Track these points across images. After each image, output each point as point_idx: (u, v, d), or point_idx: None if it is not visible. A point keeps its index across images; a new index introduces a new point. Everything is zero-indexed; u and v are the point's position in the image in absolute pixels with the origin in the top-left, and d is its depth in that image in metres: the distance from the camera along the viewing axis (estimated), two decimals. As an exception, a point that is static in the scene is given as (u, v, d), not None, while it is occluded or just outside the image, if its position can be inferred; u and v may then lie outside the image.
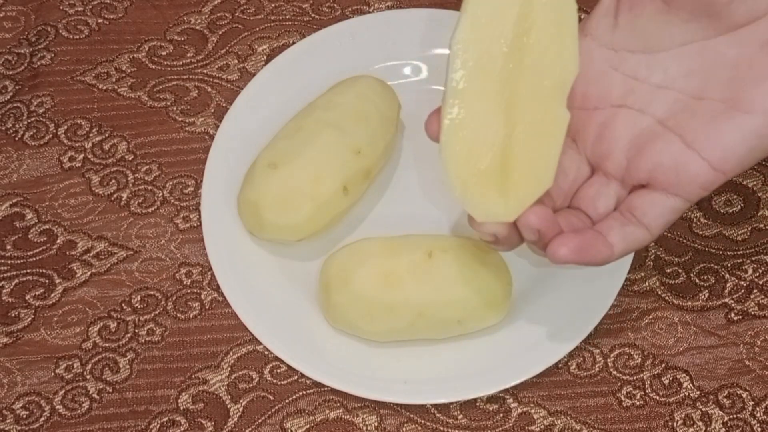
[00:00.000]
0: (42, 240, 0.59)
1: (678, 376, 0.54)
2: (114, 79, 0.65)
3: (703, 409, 0.53)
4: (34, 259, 0.58)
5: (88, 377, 0.54)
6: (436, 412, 0.53)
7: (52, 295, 0.57)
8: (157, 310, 0.56)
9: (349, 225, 0.59)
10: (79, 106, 0.64)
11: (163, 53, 0.66)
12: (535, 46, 0.44)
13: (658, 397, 0.53)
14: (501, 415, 0.53)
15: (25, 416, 0.53)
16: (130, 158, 0.62)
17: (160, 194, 0.60)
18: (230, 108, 0.61)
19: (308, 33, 0.66)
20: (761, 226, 0.58)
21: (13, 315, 0.56)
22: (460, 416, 0.53)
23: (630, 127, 0.46)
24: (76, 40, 0.67)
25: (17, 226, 0.59)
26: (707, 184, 0.44)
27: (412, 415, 0.53)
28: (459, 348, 0.54)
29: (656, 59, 0.46)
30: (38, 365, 0.54)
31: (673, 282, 0.57)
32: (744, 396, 0.53)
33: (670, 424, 0.52)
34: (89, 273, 0.57)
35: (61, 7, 0.68)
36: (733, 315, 0.55)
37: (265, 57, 0.65)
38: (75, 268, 0.58)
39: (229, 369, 0.54)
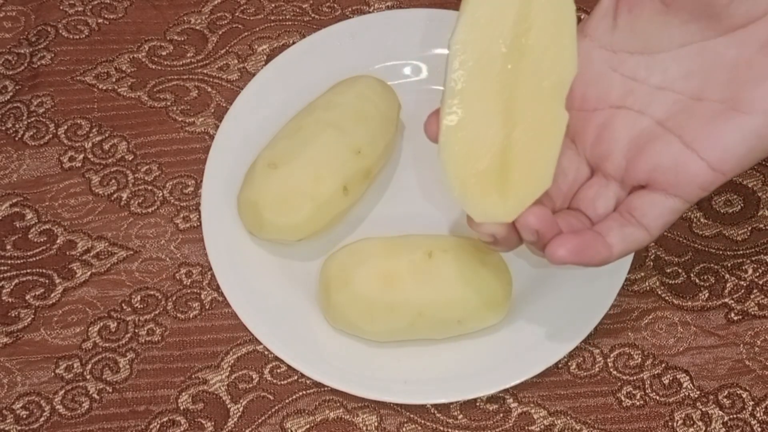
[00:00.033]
0: (42, 240, 0.59)
1: (678, 376, 0.54)
2: (114, 79, 0.65)
3: (703, 409, 0.53)
4: (34, 259, 0.58)
5: (88, 377, 0.54)
6: (436, 412, 0.53)
7: (52, 295, 0.57)
8: (157, 310, 0.56)
9: (349, 225, 0.59)
10: (79, 106, 0.64)
11: (163, 53, 0.66)
12: (533, 47, 0.44)
13: (658, 397, 0.53)
14: (501, 415, 0.53)
15: (25, 416, 0.53)
16: (130, 158, 0.62)
17: (160, 194, 0.60)
18: (230, 108, 0.62)
19: (308, 33, 0.66)
20: (761, 226, 0.58)
21: (13, 315, 0.56)
22: (460, 416, 0.53)
23: (629, 127, 0.46)
24: (76, 40, 0.67)
25: (17, 226, 0.59)
26: (706, 184, 0.44)
27: (412, 415, 0.53)
28: (459, 348, 0.54)
29: (655, 60, 0.46)
30: (38, 365, 0.54)
31: (673, 282, 0.57)
32: (744, 396, 0.53)
33: (670, 424, 0.52)
34: (89, 273, 0.57)
35: (61, 7, 0.68)
36: (733, 315, 0.55)
37: (265, 57, 0.66)
38: (75, 268, 0.58)
39: (229, 369, 0.54)
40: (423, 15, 0.64)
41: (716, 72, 0.44)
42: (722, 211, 0.59)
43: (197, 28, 0.67)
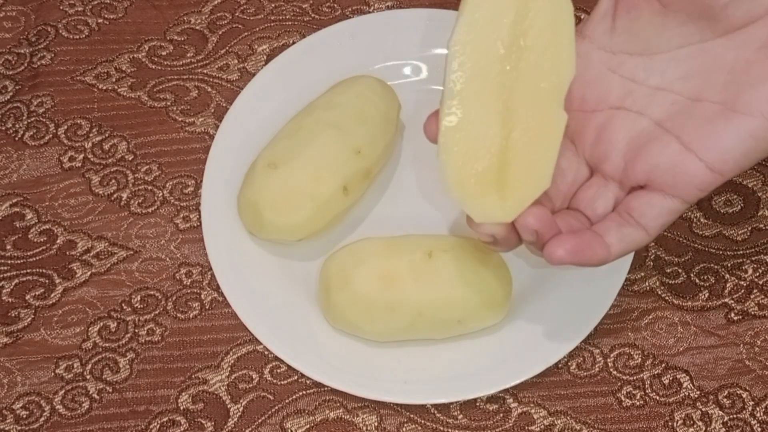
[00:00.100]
0: (42, 240, 0.59)
1: (678, 376, 0.54)
2: (114, 79, 0.65)
3: (703, 409, 0.53)
4: (34, 259, 0.58)
5: (88, 377, 0.54)
6: (436, 412, 0.53)
7: (52, 295, 0.57)
8: (157, 310, 0.56)
9: (349, 225, 0.59)
10: (79, 106, 0.64)
11: (163, 53, 0.66)
12: (532, 48, 0.44)
13: (658, 397, 0.53)
14: (501, 415, 0.53)
15: (25, 416, 0.53)
16: (130, 158, 0.62)
17: (160, 194, 0.60)
18: (230, 108, 0.62)
19: (308, 33, 0.66)
20: (761, 226, 0.58)
21: (13, 315, 0.56)
22: (460, 416, 0.53)
23: (628, 128, 0.46)
24: (76, 40, 0.67)
25: (17, 226, 0.59)
26: (705, 185, 0.44)
27: (412, 415, 0.53)
28: (459, 348, 0.54)
29: (654, 62, 0.46)
30: (38, 365, 0.54)
31: (673, 282, 0.57)
32: (744, 396, 0.53)
33: (670, 424, 0.52)
34: (89, 273, 0.57)
35: (61, 7, 0.68)
36: (733, 315, 0.55)
37: (265, 57, 0.65)
38: (75, 268, 0.58)
39: (229, 369, 0.54)
40: (423, 15, 0.64)
41: (715, 73, 0.44)
42: (722, 211, 0.59)
43: (197, 28, 0.67)
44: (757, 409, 0.53)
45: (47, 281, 0.57)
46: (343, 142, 0.56)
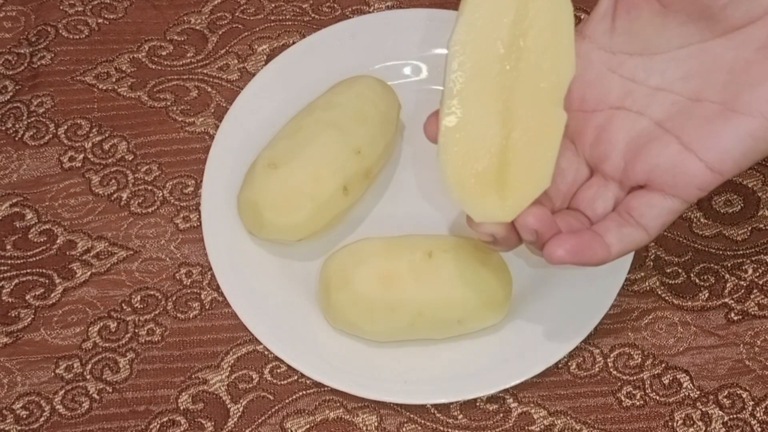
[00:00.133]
0: (42, 240, 0.59)
1: (678, 376, 0.54)
2: (114, 79, 0.65)
3: (703, 409, 0.53)
4: (34, 259, 0.58)
5: (88, 377, 0.54)
6: (436, 412, 0.53)
7: (52, 295, 0.57)
8: (157, 310, 0.56)
9: (349, 225, 0.59)
10: (79, 106, 0.64)
11: (163, 53, 0.66)
12: (532, 48, 0.44)
13: (658, 397, 0.53)
14: (501, 415, 0.53)
15: (25, 416, 0.53)
16: (130, 158, 0.62)
17: (160, 194, 0.60)
18: (230, 108, 0.62)
19: (308, 33, 0.66)
20: (761, 226, 0.58)
21: (13, 315, 0.56)
22: (460, 416, 0.53)
23: (628, 129, 0.46)
24: (76, 40, 0.67)
25: (17, 226, 0.59)
26: (704, 184, 0.44)
27: (412, 415, 0.53)
28: (459, 348, 0.54)
29: (654, 62, 0.46)
30: (38, 365, 0.54)
31: (673, 282, 0.57)
32: (744, 396, 0.53)
33: (670, 424, 0.52)
34: (89, 273, 0.57)
35: (61, 7, 0.68)
36: (733, 315, 0.55)
37: (265, 57, 0.65)
38: (75, 268, 0.58)
39: (229, 369, 0.54)
40: (423, 15, 0.64)
41: (714, 73, 0.44)
42: (722, 211, 0.59)
43: (197, 28, 0.67)
44: (757, 409, 0.53)
45: (47, 281, 0.57)
46: (343, 142, 0.56)
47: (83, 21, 0.67)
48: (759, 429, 0.52)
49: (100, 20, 0.68)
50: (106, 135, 0.62)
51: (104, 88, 0.64)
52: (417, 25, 0.64)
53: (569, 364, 0.54)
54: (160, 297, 0.57)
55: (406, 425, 0.53)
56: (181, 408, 0.53)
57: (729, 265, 0.57)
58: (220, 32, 0.67)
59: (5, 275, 0.57)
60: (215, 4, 0.68)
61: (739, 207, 0.59)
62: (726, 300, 0.56)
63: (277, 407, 0.53)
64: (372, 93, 0.58)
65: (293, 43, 0.65)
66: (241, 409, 0.53)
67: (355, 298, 0.52)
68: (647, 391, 0.53)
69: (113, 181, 0.61)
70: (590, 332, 0.53)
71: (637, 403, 0.53)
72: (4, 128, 0.63)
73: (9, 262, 0.58)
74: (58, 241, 0.59)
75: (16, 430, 0.53)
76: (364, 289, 0.52)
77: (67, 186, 0.60)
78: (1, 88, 0.65)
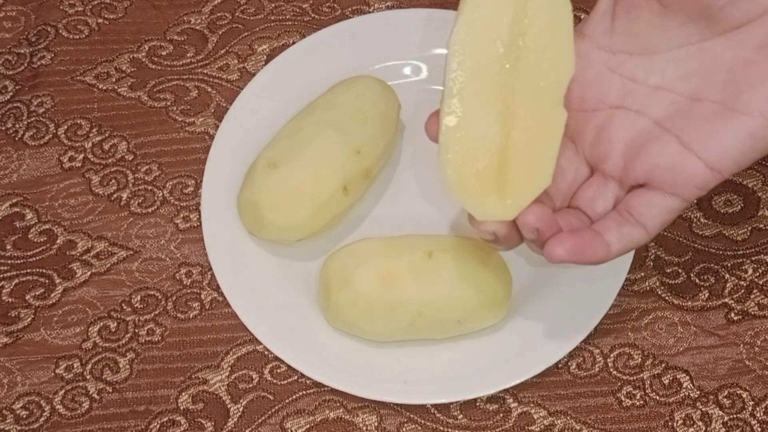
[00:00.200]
0: (42, 240, 0.59)
1: (678, 376, 0.54)
2: (114, 79, 0.65)
3: (703, 409, 0.53)
4: (34, 259, 0.58)
5: (88, 377, 0.54)
6: (436, 412, 0.53)
7: (52, 295, 0.57)
8: (157, 310, 0.56)
9: (349, 225, 0.59)
10: (79, 106, 0.64)
11: (163, 53, 0.66)
12: (531, 48, 0.44)
13: (658, 397, 0.53)
14: (501, 415, 0.53)
15: (25, 416, 0.53)
16: (130, 158, 0.62)
17: (160, 194, 0.60)
18: (230, 108, 0.62)
19: (308, 33, 0.66)
20: (761, 226, 0.58)
21: (13, 315, 0.56)
22: (460, 416, 0.53)
23: (627, 128, 0.46)
24: (76, 40, 0.67)
25: (17, 226, 0.59)
26: (704, 183, 0.44)
27: (412, 415, 0.53)
28: (459, 348, 0.54)
29: (653, 61, 0.46)
30: (38, 365, 0.54)
31: (673, 282, 0.57)
32: (744, 396, 0.53)
33: (670, 424, 0.52)
34: (89, 273, 0.57)
35: (61, 7, 0.68)
36: (733, 315, 0.55)
37: (265, 57, 0.66)
38: (75, 268, 0.58)
39: (229, 369, 0.54)
40: (423, 15, 0.64)
41: (714, 73, 0.44)
42: (722, 211, 0.59)
43: (197, 28, 0.67)
44: (757, 409, 0.53)
45: (47, 281, 0.57)
46: (343, 142, 0.56)
47: (83, 21, 0.67)
48: (759, 429, 0.52)
49: (100, 20, 0.68)
50: (106, 135, 0.62)
51: (104, 88, 0.64)
52: (417, 25, 0.64)
53: (569, 364, 0.54)
54: (160, 297, 0.57)
55: (406, 425, 0.53)
56: (181, 408, 0.53)
57: (729, 265, 0.57)
58: (220, 32, 0.67)
59: (5, 275, 0.57)
60: (215, 4, 0.68)
61: (739, 207, 0.59)
62: (726, 300, 0.56)
63: (277, 407, 0.53)
64: (372, 93, 0.58)
65: (293, 43, 0.65)
66: (241, 409, 0.53)
67: (355, 298, 0.52)
68: (647, 391, 0.53)
69: (113, 181, 0.61)
70: (590, 332, 0.53)
71: (637, 403, 0.53)
72: (4, 128, 0.63)
73: (9, 262, 0.58)
74: (58, 241, 0.59)
75: (16, 430, 0.53)
76: (364, 289, 0.52)
77: (67, 186, 0.60)
78: (1, 88, 0.65)
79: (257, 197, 0.55)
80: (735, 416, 0.52)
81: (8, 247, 0.58)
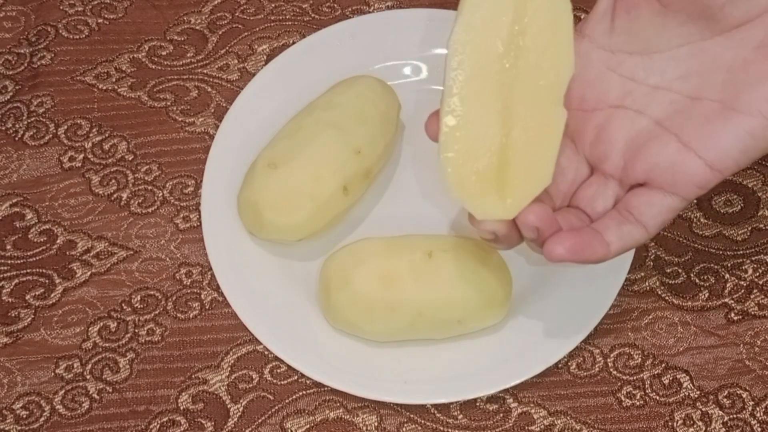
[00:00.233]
0: (42, 240, 0.59)
1: (678, 376, 0.54)
2: (114, 79, 0.65)
3: (703, 409, 0.53)
4: (34, 259, 0.58)
5: (88, 377, 0.54)
6: (436, 412, 0.53)
7: (52, 295, 0.57)
8: (157, 310, 0.56)
9: (349, 225, 0.59)
10: (79, 106, 0.64)
11: (163, 53, 0.66)
12: (531, 47, 0.44)
13: (658, 397, 0.53)
14: (501, 415, 0.53)
15: (25, 416, 0.53)
16: (130, 158, 0.62)
17: (160, 194, 0.60)
18: (230, 108, 0.62)
19: (308, 33, 0.66)
20: (761, 226, 0.58)
21: (13, 315, 0.56)
22: (460, 416, 0.53)
23: (627, 127, 0.46)
24: (76, 40, 0.67)
25: (17, 226, 0.59)
26: (704, 182, 0.44)
27: (412, 415, 0.53)
28: (459, 348, 0.54)
29: (653, 61, 0.46)
30: (38, 365, 0.54)
31: (673, 282, 0.57)
32: (744, 396, 0.53)
33: (670, 424, 0.52)
34: (89, 273, 0.57)
35: (61, 7, 0.68)
36: (733, 315, 0.55)
37: (265, 57, 0.66)
38: (75, 268, 0.58)
39: (229, 369, 0.54)
40: (423, 15, 0.64)
41: (713, 72, 0.44)
42: (722, 211, 0.59)
43: (197, 28, 0.67)
44: (757, 409, 0.53)
45: (47, 281, 0.57)
46: (343, 142, 0.56)
47: (83, 21, 0.67)
48: (759, 429, 0.52)
49: (100, 20, 0.68)
50: (106, 135, 0.62)
51: (104, 88, 0.64)
52: (417, 25, 0.64)
53: (569, 364, 0.54)
54: (160, 297, 0.57)
55: (406, 425, 0.53)
56: (181, 408, 0.53)
57: (729, 265, 0.57)
58: (220, 32, 0.67)
59: (5, 275, 0.57)
60: (215, 4, 0.68)
61: (739, 207, 0.59)
62: (726, 300, 0.56)
63: (277, 407, 0.53)
64: (372, 93, 0.58)
65: (293, 43, 0.65)
66: (241, 409, 0.53)
67: (355, 298, 0.52)
68: (647, 391, 0.53)
69: (113, 181, 0.61)
70: (590, 332, 0.53)
71: (637, 403, 0.53)
72: (4, 128, 0.63)
73: (9, 262, 0.58)
74: (58, 241, 0.59)
75: (16, 430, 0.53)
76: (364, 289, 0.52)
77: (67, 186, 0.60)
78: (1, 88, 0.65)
79: (257, 197, 0.55)
80: (735, 416, 0.52)
81: (8, 247, 0.58)
